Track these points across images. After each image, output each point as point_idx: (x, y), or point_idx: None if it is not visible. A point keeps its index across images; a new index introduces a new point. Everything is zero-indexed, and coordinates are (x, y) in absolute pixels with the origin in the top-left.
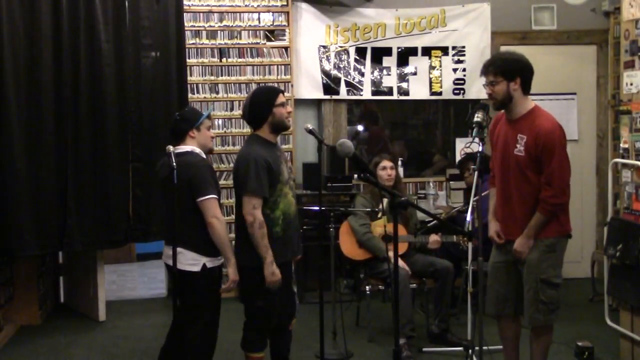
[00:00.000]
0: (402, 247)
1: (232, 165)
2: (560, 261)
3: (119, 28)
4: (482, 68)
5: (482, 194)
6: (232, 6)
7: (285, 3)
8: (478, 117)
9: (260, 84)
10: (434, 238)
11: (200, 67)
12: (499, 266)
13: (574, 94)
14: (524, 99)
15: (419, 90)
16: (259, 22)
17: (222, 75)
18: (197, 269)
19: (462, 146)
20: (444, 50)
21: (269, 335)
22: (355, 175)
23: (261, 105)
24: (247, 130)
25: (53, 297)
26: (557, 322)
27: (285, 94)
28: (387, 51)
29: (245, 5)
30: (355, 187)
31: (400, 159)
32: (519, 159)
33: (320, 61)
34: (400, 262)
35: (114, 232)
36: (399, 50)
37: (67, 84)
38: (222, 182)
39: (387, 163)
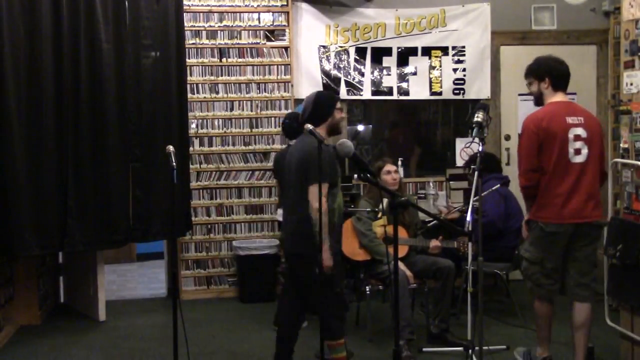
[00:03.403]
0: (403, 250)
1: (231, 165)
2: (534, 241)
3: (119, 28)
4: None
5: (482, 194)
6: (232, 6)
7: (285, 3)
8: (478, 117)
9: (260, 84)
10: (434, 243)
11: (200, 67)
12: None
13: (574, 94)
14: (552, 95)
15: (419, 90)
16: (259, 22)
17: (222, 75)
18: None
19: (462, 146)
20: (444, 50)
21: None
22: (355, 175)
23: (324, 106)
24: (247, 130)
25: (53, 297)
26: (559, 314)
27: (285, 93)
28: (387, 51)
29: (245, 5)
30: (355, 187)
31: (400, 159)
32: None
33: (320, 61)
34: (400, 265)
35: (114, 232)
36: (399, 50)
37: (67, 84)
38: (222, 182)
39: (390, 167)
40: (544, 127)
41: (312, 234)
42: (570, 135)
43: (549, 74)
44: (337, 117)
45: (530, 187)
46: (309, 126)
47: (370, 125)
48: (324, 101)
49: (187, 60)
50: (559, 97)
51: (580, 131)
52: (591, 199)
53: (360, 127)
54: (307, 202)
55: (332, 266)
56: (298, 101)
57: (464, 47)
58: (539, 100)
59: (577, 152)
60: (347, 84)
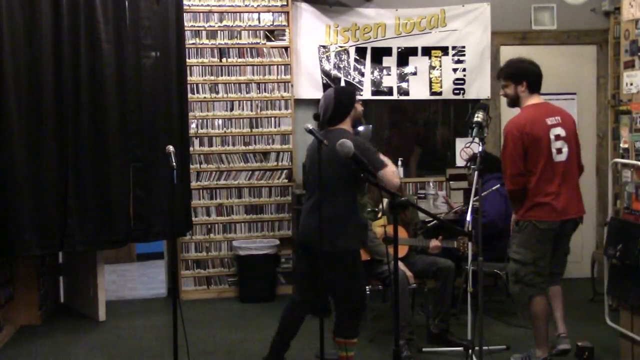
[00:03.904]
0: (403, 250)
1: (231, 165)
2: (526, 242)
3: (119, 28)
4: (497, 76)
5: (482, 194)
6: (232, 6)
7: (285, 3)
8: (478, 117)
9: (260, 84)
10: (434, 243)
11: (200, 67)
12: None
13: (574, 94)
14: (529, 98)
15: (419, 90)
16: (259, 22)
17: (222, 75)
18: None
19: (462, 146)
20: (444, 50)
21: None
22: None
23: (346, 103)
24: (247, 130)
25: (53, 297)
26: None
27: (285, 93)
28: (387, 51)
29: (245, 5)
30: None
31: (400, 159)
32: None
33: (320, 61)
34: (400, 265)
35: (114, 232)
36: (399, 50)
37: (67, 84)
38: (222, 182)
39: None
40: (527, 132)
41: (359, 228)
42: (552, 136)
43: (526, 77)
44: (358, 110)
45: (517, 190)
46: (309, 126)
47: (370, 125)
48: (345, 97)
49: (187, 60)
50: (535, 99)
51: (559, 130)
52: (575, 195)
53: (361, 128)
54: (350, 196)
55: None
56: (298, 101)
57: (464, 47)
58: (514, 102)
59: (559, 151)
60: (347, 84)
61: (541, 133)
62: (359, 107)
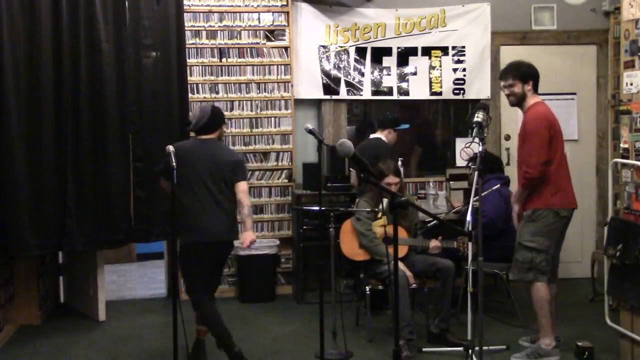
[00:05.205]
0: (402, 250)
1: None
2: (539, 230)
3: (119, 28)
4: (502, 73)
5: (483, 194)
6: (232, 6)
7: (285, 3)
8: (478, 117)
9: (260, 84)
10: (434, 244)
11: (200, 67)
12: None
13: (574, 94)
14: (533, 97)
15: (419, 90)
16: (259, 22)
17: (222, 75)
18: None
19: (462, 146)
20: (444, 50)
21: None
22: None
23: (219, 118)
24: (247, 130)
25: (53, 297)
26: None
27: (285, 93)
28: (387, 51)
29: (245, 5)
30: (356, 188)
31: (400, 159)
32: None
33: (320, 61)
34: (400, 265)
35: (114, 232)
36: (399, 50)
37: (67, 84)
38: None
39: (392, 179)
40: (552, 124)
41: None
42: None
43: (532, 77)
44: (223, 129)
45: (539, 178)
46: (309, 126)
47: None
48: (219, 114)
49: (187, 60)
50: (538, 98)
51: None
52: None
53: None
54: (232, 193)
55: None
56: (298, 101)
57: (464, 47)
58: (520, 101)
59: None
60: (347, 84)
61: (558, 126)
62: (225, 129)
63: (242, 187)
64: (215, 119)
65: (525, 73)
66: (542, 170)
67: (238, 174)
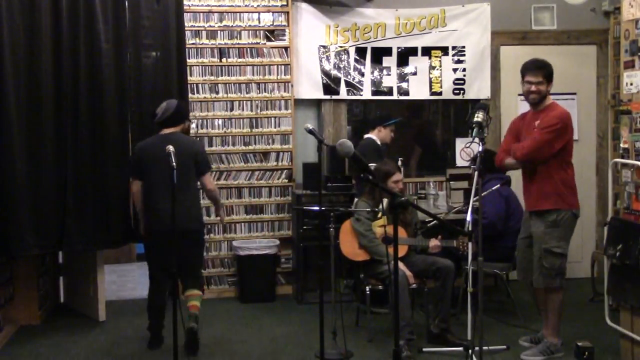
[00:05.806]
0: (402, 250)
1: (231, 165)
2: (564, 235)
3: (119, 28)
4: (533, 68)
5: (483, 194)
6: (232, 6)
7: (285, 3)
8: (478, 117)
9: (260, 84)
10: (434, 243)
11: (200, 67)
12: (521, 241)
13: (574, 94)
14: (549, 97)
15: (419, 90)
16: (259, 22)
17: (222, 75)
18: None
19: (462, 146)
20: (444, 50)
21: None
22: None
23: (184, 112)
24: (247, 130)
25: (53, 297)
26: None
27: (285, 94)
28: (387, 51)
29: (245, 5)
30: (355, 187)
31: (400, 159)
32: None
33: (320, 61)
34: (400, 265)
35: (113, 233)
36: (399, 50)
37: (67, 84)
38: (222, 182)
39: (398, 176)
40: (571, 125)
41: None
42: None
43: (552, 77)
44: (187, 125)
45: (522, 163)
46: (309, 126)
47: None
48: (184, 109)
49: (187, 60)
50: (550, 98)
51: None
52: None
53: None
54: (196, 184)
55: None
56: (298, 101)
57: (464, 47)
58: (542, 100)
59: None
60: (347, 84)
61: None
62: (190, 124)
63: (206, 178)
64: (179, 113)
65: (551, 73)
66: (528, 162)
67: (201, 165)
